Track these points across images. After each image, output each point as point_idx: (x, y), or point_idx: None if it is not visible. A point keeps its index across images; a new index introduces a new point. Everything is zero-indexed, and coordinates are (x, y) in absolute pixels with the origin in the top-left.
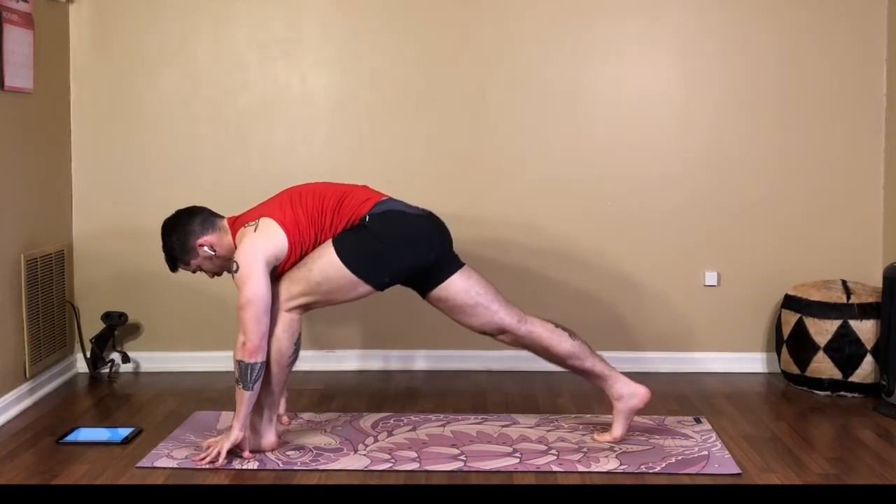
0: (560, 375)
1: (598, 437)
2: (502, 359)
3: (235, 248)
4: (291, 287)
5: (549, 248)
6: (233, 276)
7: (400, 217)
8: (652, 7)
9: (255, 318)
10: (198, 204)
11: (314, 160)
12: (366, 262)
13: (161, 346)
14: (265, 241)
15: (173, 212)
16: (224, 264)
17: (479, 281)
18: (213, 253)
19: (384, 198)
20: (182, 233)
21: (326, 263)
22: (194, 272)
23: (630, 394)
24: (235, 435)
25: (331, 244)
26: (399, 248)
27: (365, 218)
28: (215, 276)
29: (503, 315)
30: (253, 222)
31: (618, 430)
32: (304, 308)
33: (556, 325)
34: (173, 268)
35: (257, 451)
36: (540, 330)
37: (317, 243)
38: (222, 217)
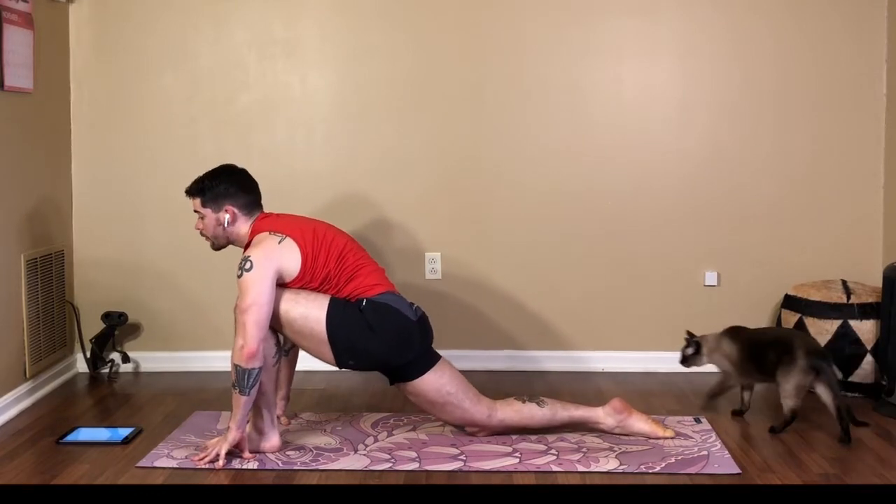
0: (560, 375)
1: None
2: (502, 359)
3: (247, 242)
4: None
5: (548, 248)
6: (239, 276)
7: (393, 315)
8: (652, 7)
9: (257, 323)
10: None
11: (314, 160)
12: (344, 336)
13: (161, 346)
14: (282, 258)
15: (241, 166)
16: (221, 240)
17: (451, 379)
18: (224, 225)
19: (389, 290)
20: (228, 185)
21: (312, 310)
22: (199, 219)
23: (616, 416)
24: (233, 436)
25: (328, 300)
26: (378, 342)
27: (362, 301)
28: (206, 239)
29: (473, 412)
30: (280, 235)
31: (646, 429)
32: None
33: (523, 401)
34: (192, 194)
35: (260, 451)
36: (510, 415)
37: (316, 290)
38: (260, 210)
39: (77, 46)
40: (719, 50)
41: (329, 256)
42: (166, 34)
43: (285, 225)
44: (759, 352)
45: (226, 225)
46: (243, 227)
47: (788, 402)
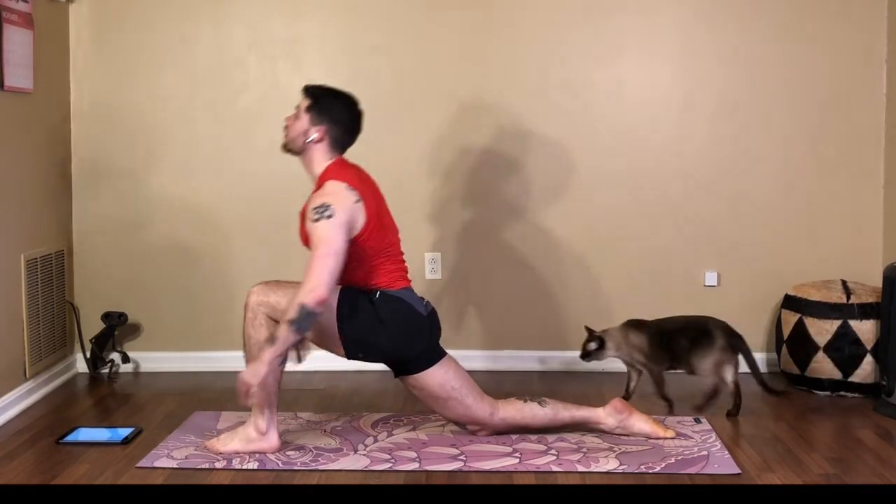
0: (559, 375)
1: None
2: (502, 359)
3: (318, 177)
4: (282, 302)
5: (548, 248)
6: (315, 220)
7: (405, 308)
8: (653, 7)
9: (332, 272)
10: (209, 204)
11: None
12: (354, 329)
13: (161, 346)
14: (353, 218)
15: (358, 105)
16: (294, 147)
17: (455, 375)
18: (306, 139)
19: (405, 286)
20: (340, 113)
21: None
22: (294, 115)
23: (617, 416)
24: (263, 372)
25: (338, 291)
26: (388, 335)
27: (375, 293)
28: (285, 136)
29: (475, 410)
30: (357, 195)
31: (646, 429)
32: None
33: (525, 400)
34: (307, 94)
35: (260, 451)
36: (512, 414)
37: (351, 268)
38: (338, 152)
39: (77, 46)
40: (719, 50)
41: (380, 241)
42: (166, 34)
43: (364, 188)
44: (669, 339)
45: (308, 139)
46: (319, 155)
47: (710, 379)
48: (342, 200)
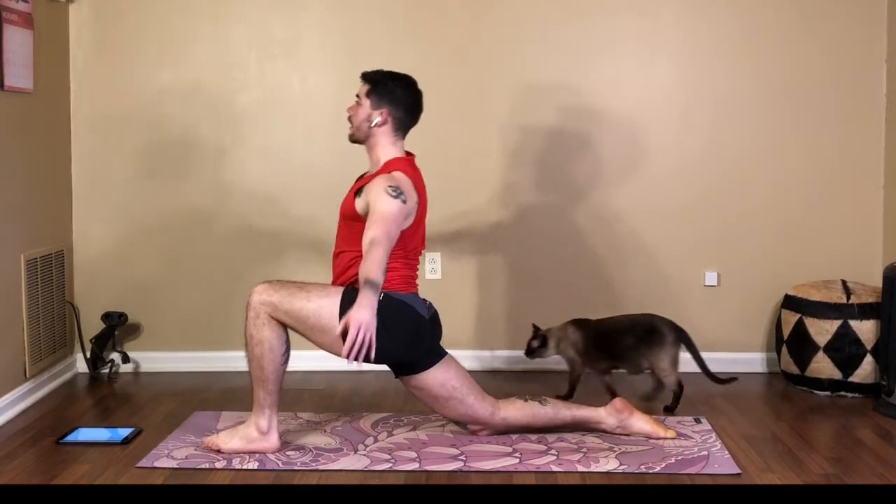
0: (559, 375)
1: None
2: (502, 359)
3: (383, 165)
4: (284, 302)
5: (547, 248)
6: (392, 197)
7: (408, 312)
8: (653, 7)
9: (394, 238)
10: (203, 204)
11: (314, 160)
12: None
13: (161, 346)
14: (411, 214)
15: (416, 85)
16: (360, 135)
17: (456, 374)
18: (371, 124)
19: (412, 291)
20: (400, 94)
21: (326, 305)
22: (356, 104)
23: (618, 416)
24: (371, 313)
25: (340, 293)
26: (390, 339)
27: (380, 295)
28: (349, 127)
29: (476, 409)
30: (417, 196)
31: (647, 429)
32: (281, 323)
33: (526, 399)
34: (366, 79)
35: (260, 452)
36: (514, 413)
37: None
38: (402, 135)
39: (77, 46)
40: (720, 50)
41: (408, 246)
42: (166, 34)
43: (421, 193)
44: (612, 339)
45: (372, 124)
46: (384, 140)
47: (671, 378)
48: (410, 194)
